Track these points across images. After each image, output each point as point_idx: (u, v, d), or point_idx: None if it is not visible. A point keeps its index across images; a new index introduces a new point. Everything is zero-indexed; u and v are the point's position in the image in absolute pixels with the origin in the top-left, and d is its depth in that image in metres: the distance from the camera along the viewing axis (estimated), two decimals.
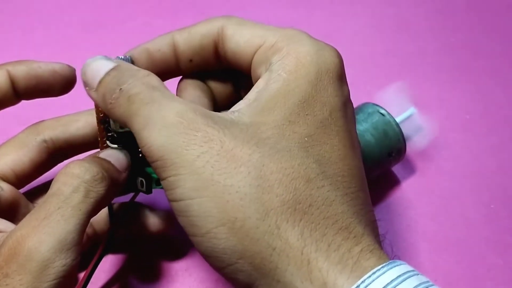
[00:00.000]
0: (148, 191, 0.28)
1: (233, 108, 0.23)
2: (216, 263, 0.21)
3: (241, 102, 0.23)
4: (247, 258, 0.20)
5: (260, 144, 0.21)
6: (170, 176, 0.20)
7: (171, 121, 0.21)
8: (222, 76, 0.28)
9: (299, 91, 0.22)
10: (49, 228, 0.21)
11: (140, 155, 0.27)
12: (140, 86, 0.22)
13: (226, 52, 0.25)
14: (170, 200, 0.21)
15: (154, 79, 0.23)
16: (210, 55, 0.26)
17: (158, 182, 0.27)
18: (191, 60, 0.26)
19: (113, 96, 0.22)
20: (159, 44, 0.26)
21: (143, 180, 0.27)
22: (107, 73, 0.23)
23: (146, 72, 0.23)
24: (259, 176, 0.20)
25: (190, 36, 0.26)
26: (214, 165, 0.20)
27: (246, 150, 0.20)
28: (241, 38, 0.24)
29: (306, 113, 0.22)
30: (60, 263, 0.21)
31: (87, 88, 0.24)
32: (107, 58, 0.24)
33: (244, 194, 0.20)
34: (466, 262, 0.33)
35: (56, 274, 0.21)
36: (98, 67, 0.24)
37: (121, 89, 0.22)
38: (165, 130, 0.20)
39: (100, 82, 0.23)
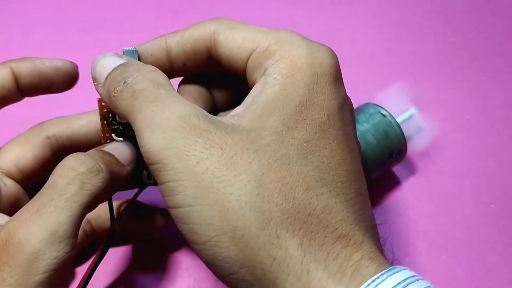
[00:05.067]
0: (156, 183, 0.27)
1: (233, 113, 0.22)
2: (218, 272, 0.20)
3: (239, 107, 0.23)
4: (249, 268, 0.19)
5: (260, 151, 0.20)
6: (169, 181, 0.20)
7: (174, 125, 0.20)
8: (222, 79, 0.27)
9: (296, 95, 0.22)
10: (40, 220, 0.21)
11: None
12: (146, 82, 0.22)
13: (220, 57, 0.25)
14: (169, 207, 0.21)
15: (160, 75, 0.23)
16: (203, 59, 0.26)
17: None
18: (185, 64, 0.26)
19: (117, 89, 0.22)
20: (152, 49, 0.26)
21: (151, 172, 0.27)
22: (115, 68, 0.23)
23: (153, 67, 0.23)
24: (259, 184, 0.19)
25: (183, 40, 0.25)
26: (214, 172, 0.20)
27: (246, 158, 0.20)
28: (234, 43, 0.24)
29: (304, 117, 0.21)
30: (51, 256, 0.20)
31: (95, 83, 0.24)
32: (118, 55, 0.24)
33: (245, 202, 0.19)
34: (466, 262, 0.33)
35: (47, 267, 0.20)
36: (107, 63, 0.24)
37: (125, 82, 0.22)
38: (167, 133, 0.20)
39: (107, 76, 0.23)
